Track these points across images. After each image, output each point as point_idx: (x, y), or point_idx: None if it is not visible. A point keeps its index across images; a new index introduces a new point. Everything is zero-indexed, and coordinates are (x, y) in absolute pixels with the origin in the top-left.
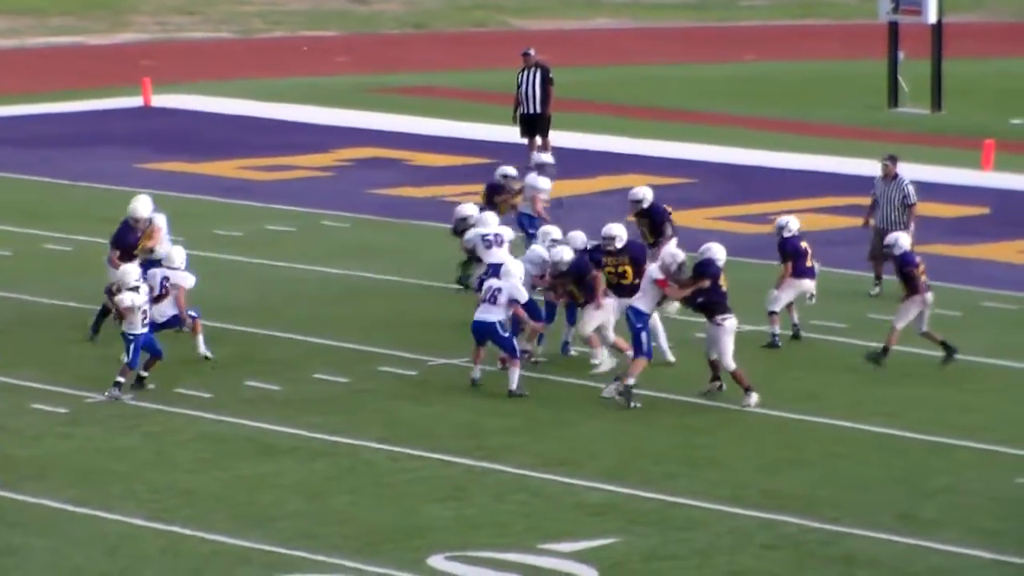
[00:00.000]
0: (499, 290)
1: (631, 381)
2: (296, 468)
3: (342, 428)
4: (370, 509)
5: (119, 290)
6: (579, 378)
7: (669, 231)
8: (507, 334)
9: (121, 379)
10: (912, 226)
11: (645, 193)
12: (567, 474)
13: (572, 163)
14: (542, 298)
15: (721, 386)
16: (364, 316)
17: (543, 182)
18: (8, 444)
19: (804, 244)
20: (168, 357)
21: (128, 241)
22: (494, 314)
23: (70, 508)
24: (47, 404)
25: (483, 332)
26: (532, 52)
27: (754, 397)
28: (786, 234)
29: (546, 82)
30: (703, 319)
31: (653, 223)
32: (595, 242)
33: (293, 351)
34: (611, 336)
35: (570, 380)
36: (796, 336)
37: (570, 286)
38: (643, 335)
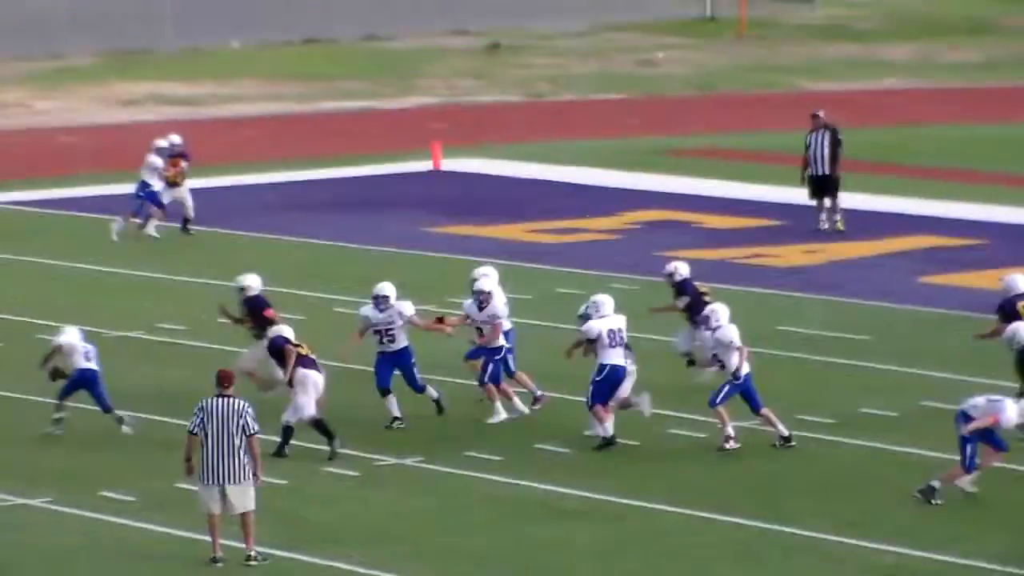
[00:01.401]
0: None
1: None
2: (586, 531)
3: (632, 490)
4: (662, 573)
5: None
6: (867, 440)
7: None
8: None
9: None
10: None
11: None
12: (858, 536)
13: (861, 224)
14: None
15: None
16: (650, 381)
17: None
18: (302, 507)
19: None
20: (460, 420)
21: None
22: None
23: (361, 571)
24: (339, 467)
25: None
26: (821, 114)
27: None
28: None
29: (835, 143)
30: None
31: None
32: None
33: (584, 413)
34: None
35: (859, 442)
36: None
37: None
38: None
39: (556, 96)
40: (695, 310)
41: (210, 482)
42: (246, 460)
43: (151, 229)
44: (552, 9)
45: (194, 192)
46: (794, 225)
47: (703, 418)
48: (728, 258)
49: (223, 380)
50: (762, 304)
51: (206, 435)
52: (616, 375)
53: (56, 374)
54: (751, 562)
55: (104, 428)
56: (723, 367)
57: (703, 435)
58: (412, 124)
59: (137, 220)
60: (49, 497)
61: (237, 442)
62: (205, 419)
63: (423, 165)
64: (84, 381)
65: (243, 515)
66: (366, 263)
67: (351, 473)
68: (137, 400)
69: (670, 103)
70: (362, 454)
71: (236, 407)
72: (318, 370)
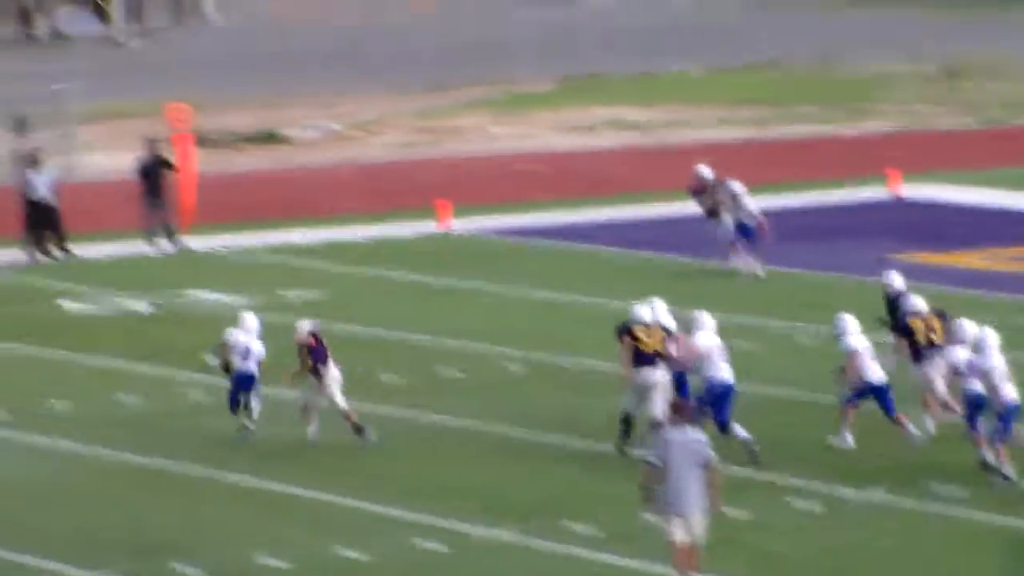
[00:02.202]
0: None
1: None
2: None
3: None
4: None
5: None
6: None
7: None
8: None
9: None
10: None
11: None
12: None
13: None
14: None
15: None
16: None
17: None
18: (768, 541)
19: None
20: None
21: None
22: None
23: None
24: (801, 499)
25: None
26: None
27: None
28: None
29: None
30: None
31: None
32: None
33: None
34: None
35: None
36: None
37: None
38: None
39: (1009, 121)
40: None
41: (672, 511)
42: (703, 489)
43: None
44: (1011, 34)
45: None
46: None
47: None
48: None
49: (679, 411)
50: None
51: (667, 465)
52: None
53: (226, 367)
54: None
55: (554, 456)
56: None
57: None
58: (865, 150)
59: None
60: (518, 529)
61: (696, 471)
62: (665, 449)
63: (876, 192)
64: (239, 382)
65: (695, 544)
66: (823, 291)
67: (815, 508)
68: (568, 425)
69: None
70: (825, 487)
71: (694, 437)
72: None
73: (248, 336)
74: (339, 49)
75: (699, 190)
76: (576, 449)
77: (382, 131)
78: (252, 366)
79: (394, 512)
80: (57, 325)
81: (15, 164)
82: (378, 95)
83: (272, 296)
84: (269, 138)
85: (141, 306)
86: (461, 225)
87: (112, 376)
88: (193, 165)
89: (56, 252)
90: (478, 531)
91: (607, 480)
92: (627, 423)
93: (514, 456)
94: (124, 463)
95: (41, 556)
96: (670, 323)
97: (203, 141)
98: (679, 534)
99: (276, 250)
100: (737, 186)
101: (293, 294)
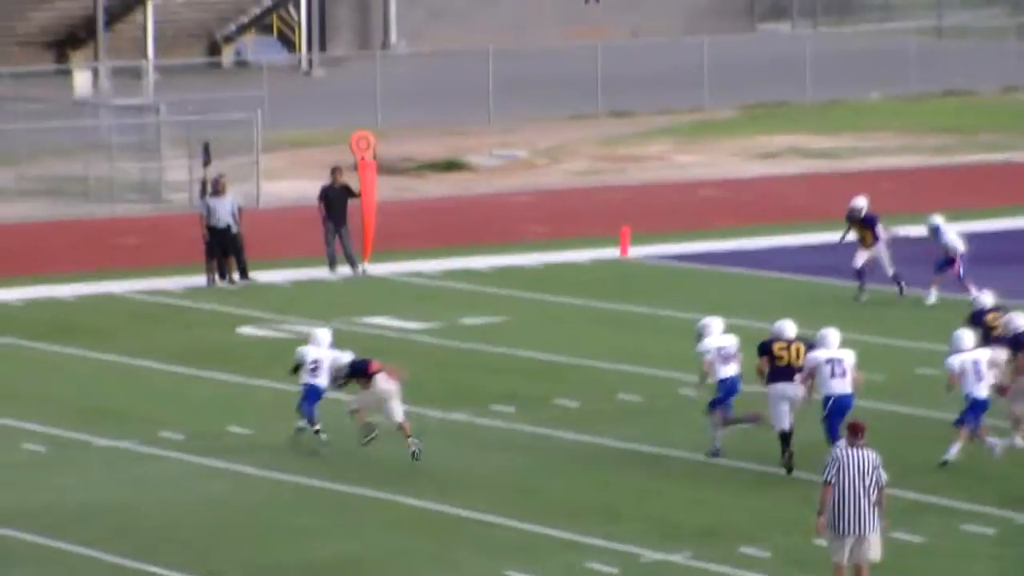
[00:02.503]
0: None
1: None
2: None
3: None
4: None
5: None
6: None
7: None
8: None
9: None
10: None
11: None
12: None
13: None
14: None
15: None
16: None
17: None
18: (938, 566)
19: None
20: None
21: None
22: None
23: None
24: (974, 524)
25: None
26: None
27: None
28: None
29: None
30: None
31: None
32: None
33: None
34: None
35: None
36: None
37: None
38: None
39: None
40: None
41: (842, 532)
42: (876, 510)
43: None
44: None
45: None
46: None
47: None
48: None
49: (856, 431)
50: None
51: (839, 485)
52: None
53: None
54: None
55: (723, 480)
56: None
57: None
58: None
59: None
60: (690, 552)
61: (869, 492)
62: (840, 468)
63: None
64: (305, 394)
65: (861, 565)
66: None
67: (987, 531)
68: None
69: None
70: (999, 512)
71: (869, 458)
72: None
73: (318, 350)
74: (522, 75)
75: (852, 219)
76: (752, 473)
77: (565, 158)
78: (319, 379)
79: (565, 535)
80: (235, 350)
81: (199, 191)
82: (561, 123)
83: (451, 322)
84: (451, 166)
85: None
86: (642, 251)
87: (288, 402)
88: (375, 192)
89: (236, 278)
90: (649, 554)
91: (783, 504)
92: (784, 440)
93: (689, 480)
94: (300, 486)
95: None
96: (728, 341)
97: (386, 169)
98: (844, 555)
99: (456, 276)
100: (937, 218)
101: (471, 320)
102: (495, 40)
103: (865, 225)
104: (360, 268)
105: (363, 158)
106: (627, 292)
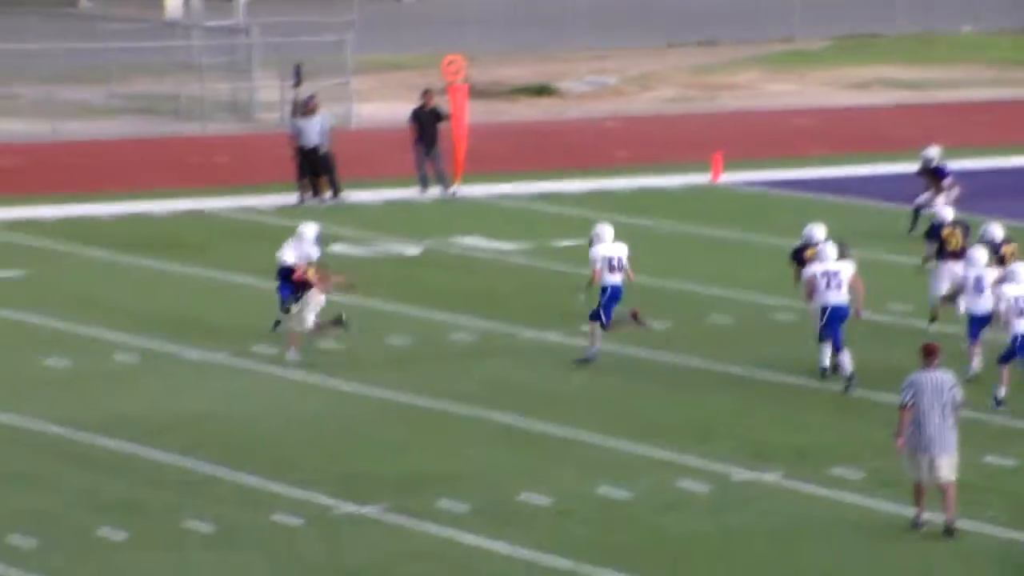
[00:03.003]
0: None
1: None
2: None
3: None
4: None
5: None
6: None
7: None
8: None
9: None
10: None
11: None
12: None
13: None
14: None
15: None
16: None
17: None
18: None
19: None
20: None
21: None
22: None
23: None
24: None
25: None
26: None
27: None
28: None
29: None
30: None
31: None
32: None
33: None
34: None
35: None
36: None
37: None
38: None
39: None
40: None
41: (918, 453)
42: (953, 431)
43: None
44: None
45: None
46: None
47: None
48: None
49: (929, 353)
50: None
51: (917, 407)
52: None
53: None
54: None
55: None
56: None
57: None
58: None
59: None
60: (781, 472)
61: (945, 413)
62: (916, 392)
63: None
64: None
65: (946, 486)
66: None
67: None
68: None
69: None
70: None
71: (944, 380)
72: None
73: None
74: (614, 3)
75: (924, 168)
76: (844, 396)
77: (656, 86)
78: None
79: (656, 453)
80: (327, 268)
81: (290, 111)
82: (652, 50)
83: (540, 243)
84: (542, 90)
85: (411, 251)
86: (733, 178)
87: (382, 318)
88: (465, 116)
89: (328, 197)
90: (741, 473)
91: (874, 426)
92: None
93: (779, 401)
94: (392, 402)
95: (310, 489)
96: (617, 251)
97: (476, 93)
98: (921, 474)
99: (545, 199)
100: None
101: (560, 242)
102: None
103: (935, 175)
104: (451, 189)
105: (454, 82)
106: (718, 217)
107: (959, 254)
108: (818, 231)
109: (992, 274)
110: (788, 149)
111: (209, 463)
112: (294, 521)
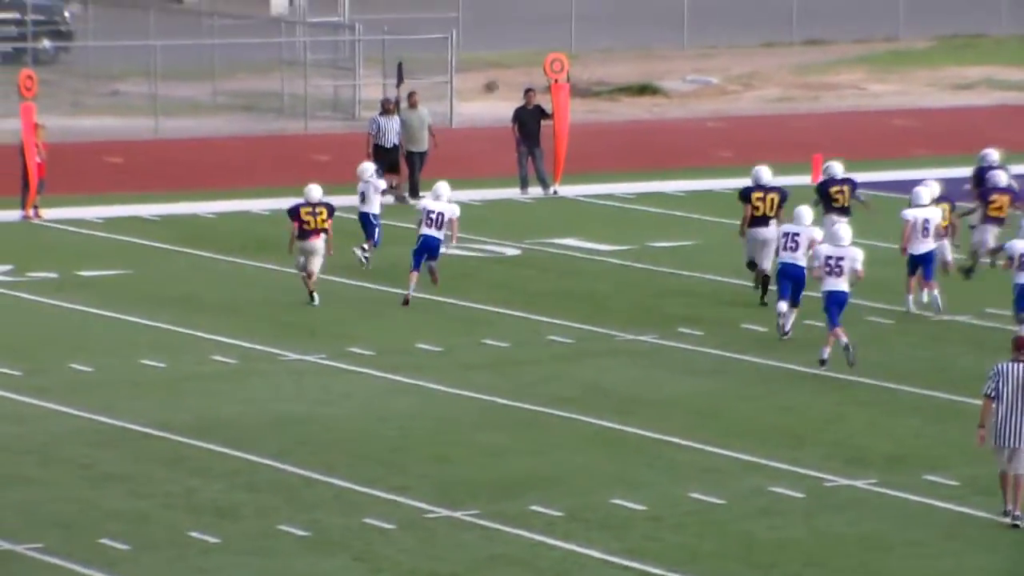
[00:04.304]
0: None
1: None
2: None
3: None
4: None
5: None
6: None
7: None
8: None
9: None
10: None
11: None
12: None
13: None
14: None
15: None
16: None
17: None
18: None
19: None
20: None
21: None
22: None
23: None
24: None
25: None
26: None
27: None
28: None
29: None
30: None
31: None
32: None
33: None
34: None
35: None
36: None
37: None
38: None
39: None
40: None
41: (1003, 444)
42: None
43: None
44: None
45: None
46: None
47: None
48: None
49: (1020, 346)
50: None
51: (1000, 398)
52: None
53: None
54: None
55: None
56: None
57: None
58: None
59: None
60: (874, 478)
61: None
62: (1001, 382)
63: None
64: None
65: (1020, 477)
66: None
67: None
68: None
69: None
70: None
71: None
72: None
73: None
74: (718, 2)
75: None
76: (938, 400)
77: (758, 85)
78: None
79: (750, 458)
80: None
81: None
82: (755, 49)
83: (640, 244)
84: (644, 90)
85: (510, 251)
86: None
87: (480, 319)
88: (568, 115)
89: (407, 196)
90: (835, 479)
91: (969, 432)
92: (753, 266)
93: (875, 406)
94: (488, 404)
95: (403, 492)
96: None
97: (579, 91)
98: (1004, 465)
99: (646, 199)
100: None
101: (661, 243)
102: None
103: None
104: (551, 189)
105: (556, 80)
106: (817, 218)
107: (1000, 220)
108: (764, 173)
109: None
110: (891, 150)
111: (303, 466)
112: (387, 525)
